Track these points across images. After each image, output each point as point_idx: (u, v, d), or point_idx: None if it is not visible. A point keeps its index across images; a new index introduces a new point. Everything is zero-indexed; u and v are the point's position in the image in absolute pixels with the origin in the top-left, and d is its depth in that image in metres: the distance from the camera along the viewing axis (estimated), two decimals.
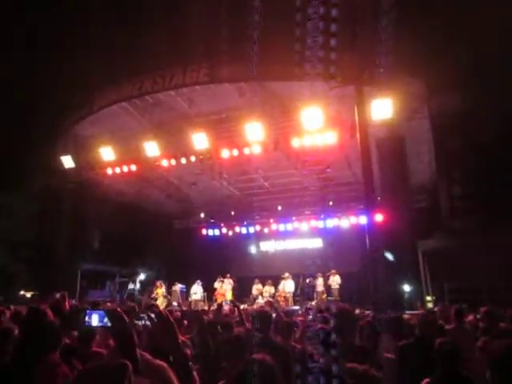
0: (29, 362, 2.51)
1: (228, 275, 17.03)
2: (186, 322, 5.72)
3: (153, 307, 5.70)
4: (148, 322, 2.10)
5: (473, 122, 12.69)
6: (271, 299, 15.53)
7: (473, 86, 12.17)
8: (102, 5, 16.53)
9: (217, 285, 16.67)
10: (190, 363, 2.04)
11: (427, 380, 3.04)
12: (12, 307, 7.63)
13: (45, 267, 16.00)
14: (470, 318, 6.35)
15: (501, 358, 1.63)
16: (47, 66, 16.29)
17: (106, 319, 1.97)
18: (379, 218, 10.89)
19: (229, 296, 16.27)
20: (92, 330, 3.80)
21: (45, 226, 17.12)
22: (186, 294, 17.19)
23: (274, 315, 4.79)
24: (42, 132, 15.89)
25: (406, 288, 13.54)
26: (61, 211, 16.54)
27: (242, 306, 11.29)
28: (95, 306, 6.17)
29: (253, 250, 20.80)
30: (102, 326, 2.03)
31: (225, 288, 16.53)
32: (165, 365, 1.92)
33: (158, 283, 16.38)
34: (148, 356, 2.05)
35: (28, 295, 17.08)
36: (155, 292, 16.27)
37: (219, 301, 15.13)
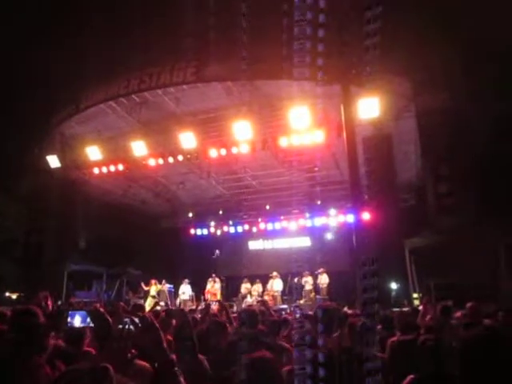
0: (15, 362, 2.49)
1: (214, 275, 17.03)
2: (174, 321, 5.68)
3: (140, 309, 5.66)
4: (132, 327, 2.07)
5: (460, 121, 12.81)
6: (259, 298, 15.57)
7: (460, 84, 12.28)
8: (89, 4, 16.37)
9: (208, 284, 16.66)
10: (176, 368, 2.01)
11: (412, 376, 3.05)
12: None
13: (31, 268, 15.84)
14: (458, 314, 6.43)
15: (468, 345, 1.71)
16: (33, 65, 16.09)
17: (88, 319, 1.95)
18: (366, 216, 10.96)
19: (218, 296, 16.28)
20: (81, 330, 3.75)
21: (32, 226, 16.94)
22: (174, 293, 17.14)
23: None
24: (28, 131, 15.70)
25: (393, 286, 13.64)
26: (47, 211, 16.38)
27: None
28: (76, 307, 6.11)
29: (241, 249, 20.78)
30: (84, 327, 2.01)
31: (216, 288, 16.51)
32: (147, 365, 1.91)
33: (153, 281, 16.30)
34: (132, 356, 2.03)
35: (14, 296, 16.88)
36: (149, 288, 16.16)
37: (210, 300, 15.13)
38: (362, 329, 4.48)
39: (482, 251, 12.12)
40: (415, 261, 14.04)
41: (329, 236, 18.26)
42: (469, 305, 5.70)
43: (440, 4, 12.64)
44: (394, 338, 4.30)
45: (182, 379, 1.94)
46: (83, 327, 2.44)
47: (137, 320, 2.01)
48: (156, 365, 1.96)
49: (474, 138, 12.86)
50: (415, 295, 13.80)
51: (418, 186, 15.41)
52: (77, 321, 2.05)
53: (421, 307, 8.16)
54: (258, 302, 14.13)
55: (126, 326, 2.05)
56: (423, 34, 11.78)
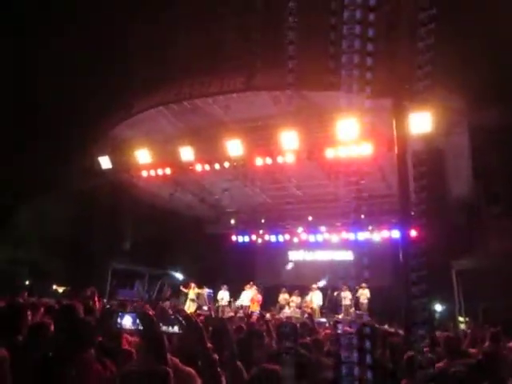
0: (65, 358, 2.56)
1: (251, 282, 17.00)
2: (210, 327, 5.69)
3: (180, 311, 5.72)
4: (176, 329, 2.09)
5: None
6: (298, 309, 15.44)
7: None
8: (141, 12, 16.86)
9: (250, 291, 16.57)
10: (219, 369, 2.02)
11: None
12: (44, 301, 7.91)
13: (78, 264, 16.40)
14: None
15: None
16: (88, 69, 16.71)
17: (138, 322, 1.99)
18: (413, 233, 10.64)
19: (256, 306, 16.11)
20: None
21: (80, 224, 17.55)
22: (212, 298, 17.25)
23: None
24: (82, 133, 16.29)
25: (438, 307, 13.14)
26: (96, 211, 16.92)
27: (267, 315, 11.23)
28: (123, 306, 6.25)
29: (281, 259, 20.67)
30: (134, 329, 2.05)
31: (259, 297, 16.39)
32: (194, 372, 1.93)
33: (192, 284, 16.47)
34: (177, 361, 2.06)
35: (60, 290, 17.57)
36: (188, 291, 16.35)
37: (254, 308, 15.03)
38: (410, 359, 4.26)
39: None
40: (462, 283, 13.48)
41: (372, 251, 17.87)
42: None
43: (494, 19, 12.20)
44: (440, 364, 4.10)
45: (223, 379, 1.95)
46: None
47: (181, 319, 2.04)
48: (199, 363, 1.98)
49: None
50: (461, 318, 13.25)
51: (469, 204, 14.81)
52: (127, 322, 2.10)
53: (468, 331, 7.82)
54: (305, 315, 13.95)
55: (171, 328, 2.08)
56: (477, 50, 11.40)
